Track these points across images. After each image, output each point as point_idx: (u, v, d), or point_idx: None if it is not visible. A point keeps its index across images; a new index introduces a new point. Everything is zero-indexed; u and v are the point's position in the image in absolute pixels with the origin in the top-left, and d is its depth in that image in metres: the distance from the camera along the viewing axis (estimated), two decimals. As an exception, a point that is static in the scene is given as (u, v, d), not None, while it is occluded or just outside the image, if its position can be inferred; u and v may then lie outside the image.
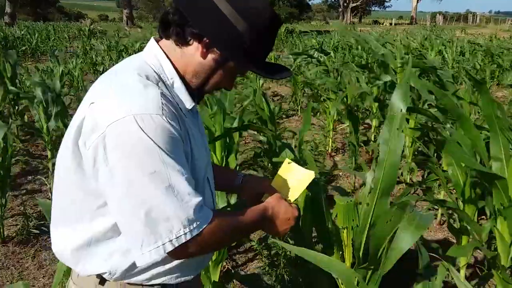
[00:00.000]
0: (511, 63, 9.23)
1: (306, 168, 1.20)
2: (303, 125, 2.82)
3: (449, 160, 2.10)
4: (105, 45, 11.15)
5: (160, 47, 0.99)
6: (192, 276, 1.05)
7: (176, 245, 0.85)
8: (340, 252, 1.29)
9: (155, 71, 0.96)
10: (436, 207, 3.26)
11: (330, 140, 4.80)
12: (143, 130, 0.82)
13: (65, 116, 3.91)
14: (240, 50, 0.95)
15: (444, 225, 3.23)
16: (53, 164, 3.88)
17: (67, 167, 0.92)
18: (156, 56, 0.98)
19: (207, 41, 0.94)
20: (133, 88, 0.88)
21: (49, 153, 3.86)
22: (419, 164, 3.71)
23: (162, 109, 0.86)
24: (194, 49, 0.96)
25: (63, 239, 0.99)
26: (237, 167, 2.67)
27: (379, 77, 4.07)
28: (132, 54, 1.55)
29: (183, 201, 0.85)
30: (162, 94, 0.90)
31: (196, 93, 1.02)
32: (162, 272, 0.99)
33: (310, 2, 51.47)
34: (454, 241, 2.96)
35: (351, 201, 1.23)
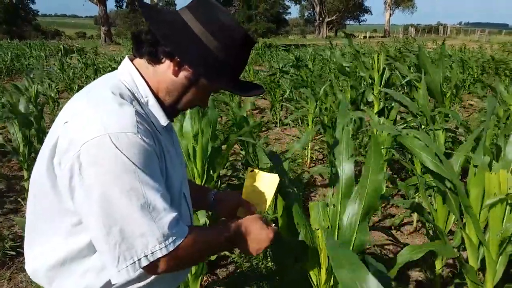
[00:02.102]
0: (482, 73, 9.57)
1: (269, 171, 1.22)
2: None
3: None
4: (82, 63, 11.07)
5: (134, 65, 1.01)
6: None
7: (152, 260, 0.86)
8: (316, 258, 1.32)
9: (129, 89, 0.98)
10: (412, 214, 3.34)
11: (309, 151, 4.86)
12: (118, 149, 0.83)
13: (42, 134, 3.86)
14: (213, 68, 0.97)
15: (420, 231, 3.30)
16: (28, 184, 3.81)
17: (42, 185, 0.93)
18: (130, 74, 1.00)
19: (178, 59, 0.96)
20: (108, 106, 0.89)
21: (25, 173, 3.80)
22: (394, 171, 3.80)
23: (137, 127, 0.87)
24: (166, 67, 0.98)
25: (37, 259, 0.99)
26: (218, 181, 2.69)
27: (358, 87, 4.17)
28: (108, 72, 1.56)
29: (158, 217, 0.86)
30: (137, 112, 0.91)
31: (170, 110, 1.03)
32: None
33: (287, 17, 52.38)
34: (430, 245, 3.04)
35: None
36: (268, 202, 1.21)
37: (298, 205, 1.36)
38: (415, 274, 2.63)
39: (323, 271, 1.34)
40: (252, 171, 1.23)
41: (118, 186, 0.83)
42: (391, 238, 3.12)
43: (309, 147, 4.86)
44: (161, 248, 0.86)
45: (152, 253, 0.86)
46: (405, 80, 4.19)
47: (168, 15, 0.99)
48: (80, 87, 7.67)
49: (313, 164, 4.83)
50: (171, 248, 0.87)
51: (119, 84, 0.97)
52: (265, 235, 1.04)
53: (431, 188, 2.46)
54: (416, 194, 3.28)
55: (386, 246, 3.07)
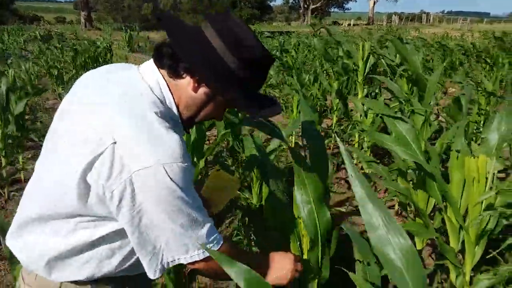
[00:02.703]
0: (461, 61, 9.70)
1: (232, 176, 1.25)
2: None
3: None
4: (60, 48, 10.80)
5: (161, 74, 1.01)
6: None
7: (190, 261, 0.99)
8: (298, 242, 1.33)
9: (161, 102, 0.99)
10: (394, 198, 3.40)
11: (294, 137, 4.88)
12: (170, 178, 0.89)
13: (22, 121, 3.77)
14: (231, 87, 0.99)
15: (402, 213, 3.37)
16: (7, 172, 3.73)
17: (65, 187, 0.93)
18: (158, 83, 1.01)
19: (198, 77, 0.98)
20: (158, 133, 0.92)
21: (3, 160, 3.71)
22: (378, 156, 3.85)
23: (184, 154, 0.93)
24: (186, 83, 1.00)
25: (31, 249, 1.01)
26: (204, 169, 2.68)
27: (342, 74, 4.18)
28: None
29: (198, 229, 0.97)
30: (180, 138, 0.95)
31: (187, 123, 1.06)
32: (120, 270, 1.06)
33: (271, 4, 51.95)
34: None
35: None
36: (223, 204, 1.24)
37: (281, 193, 1.36)
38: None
39: (305, 255, 1.35)
40: (218, 170, 1.27)
41: (166, 209, 0.91)
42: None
43: (294, 133, 4.87)
44: (199, 254, 0.98)
45: (191, 257, 0.98)
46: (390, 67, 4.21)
47: (189, 29, 1.00)
48: (60, 73, 7.50)
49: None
50: (208, 254, 0.98)
51: (153, 98, 0.98)
52: (291, 275, 1.15)
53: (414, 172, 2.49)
54: (398, 178, 3.33)
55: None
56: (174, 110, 1.02)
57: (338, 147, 4.37)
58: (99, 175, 0.90)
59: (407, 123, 1.83)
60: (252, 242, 2.46)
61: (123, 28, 18.92)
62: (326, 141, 4.61)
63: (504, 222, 1.70)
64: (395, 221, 0.86)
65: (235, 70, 0.98)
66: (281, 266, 1.16)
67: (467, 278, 1.71)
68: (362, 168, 4.02)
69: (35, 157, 4.39)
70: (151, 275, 0.98)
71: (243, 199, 2.69)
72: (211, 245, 1.00)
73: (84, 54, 8.55)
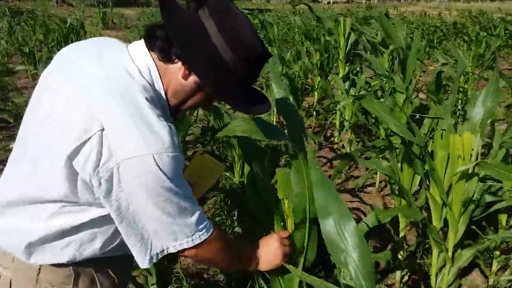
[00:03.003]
0: (440, 39, 9.77)
1: (217, 161, 1.22)
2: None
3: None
4: (32, 25, 10.34)
5: (152, 58, 0.96)
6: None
7: (179, 249, 0.97)
8: (282, 223, 1.30)
9: (150, 86, 0.94)
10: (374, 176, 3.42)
11: (274, 116, 4.83)
12: (160, 168, 0.87)
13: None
14: (223, 81, 0.96)
15: (382, 192, 3.39)
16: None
17: (48, 172, 0.90)
18: (148, 66, 0.96)
19: (190, 65, 0.93)
20: (148, 121, 0.88)
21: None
22: (359, 135, 3.84)
23: (174, 143, 0.90)
24: (177, 69, 0.96)
25: (12, 231, 0.97)
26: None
27: (323, 52, 4.13)
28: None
29: (187, 218, 0.95)
30: (170, 126, 0.91)
31: (173, 111, 1.02)
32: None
33: (250, -20, 51.00)
34: (392, 207, 3.13)
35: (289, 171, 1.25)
36: (205, 189, 1.20)
37: (264, 172, 1.32)
38: (378, 233, 2.70)
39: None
40: (202, 153, 1.23)
41: (155, 199, 0.89)
42: (357, 200, 3.20)
43: (274, 112, 4.82)
44: (188, 242, 0.96)
45: (180, 244, 0.96)
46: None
47: (188, 17, 0.95)
48: (31, 51, 7.19)
49: (279, 130, 4.81)
50: (197, 241, 0.97)
51: (143, 82, 0.94)
52: (281, 251, 1.17)
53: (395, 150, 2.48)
54: (380, 157, 3.35)
55: (351, 208, 3.13)
56: (163, 95, 0.98)
57: (320, 126, 4.36)
58: (86, 162, 0.86)
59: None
60: (235, 223, 2.43)
61: (96, 4, 18.25)
62: (307, 120, 4.58)
63: (487, 198, 1.72)
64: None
65: (230, 65, 0.95)
66: (268, 248, 1.17)
67: (450, 254, 1.73)
68: (343, 147, 4.03)
69: (7, 138, 4.22)
70: (141, 264, 0.97)
71: (225, 178, 2.64)
72: (200, 232, 0.98)
73: (56, 32, 8.21)
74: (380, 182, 3.40)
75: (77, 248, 0.99)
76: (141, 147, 0.86)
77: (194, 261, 1.07)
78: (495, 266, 2.10)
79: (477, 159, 1.62)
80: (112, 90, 0.90)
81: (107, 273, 1.08)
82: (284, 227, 1.28)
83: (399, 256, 2.18)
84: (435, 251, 1.80)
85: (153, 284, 1.78)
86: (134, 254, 0.96)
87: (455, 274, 1.79)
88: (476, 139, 1.60)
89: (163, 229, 0.93)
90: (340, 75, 4.04)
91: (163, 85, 0.97)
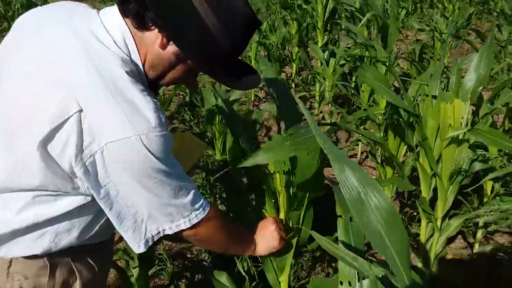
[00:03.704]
0: (415, 6, 9.73)
1: (198, 139, 1.13)
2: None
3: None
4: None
5: (127, 26, 0.84)
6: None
7: (176, 230, 0.91)
8: (273, 200, 1.23)
9: (129, 58, 0.84)
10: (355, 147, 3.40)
11: (252, 91, 4.71)
12: (149, 150, 0.79)
13: None
14: (206, 51, 0.85)
15: (363, 162, 3.38)
16: None
17: (20, 158, 0.81)
18: (122, 35, 0.84)
19: (168, 32, 0.82)
20: (131, 98, 0.79)
21: None
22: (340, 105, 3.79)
23: (162, 121, 0.82)
24: (154, 37, 0.84)
25: None
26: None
27: (301, 21, 4.00)
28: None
29: (182, 198, 0.88)
30: (155, 102, 0.83)
31: (152, 85, 0.91)
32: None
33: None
34: (374, 177, 3.13)
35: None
36: (188, 169, 1.11)
37: (252, 148, 1.23)
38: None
39: (282, 214, 1.25)
40: (183, 131, 1.15)
41: (145, 182, 0.82)
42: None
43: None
44: (185, 222, 0.90)
45: (177, 226, 0.90)
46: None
47: None
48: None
49: (257, 103, 4.72)
50: (194, 221, 0.91)
51: (121, 54, 0.83)
52: (277, 235, 1.11)
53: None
54: (361, 127, 3.31)
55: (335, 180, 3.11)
56: (141, 67, 0.87)
57: (299, 98, 4.28)
58: (65, 147, 0.77)
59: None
60: (218, 201, 2.36)
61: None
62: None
63: (477, 166, 1.69)
64: (374, 181, 0.75)
65: (215, 34, 0.83)
66: (265, 232, 1.12)
67: (438, 223, 1.71)
68: (323, 118, 3.98)
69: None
70: (136, 249, 0.90)
71: (207, 156, 2.55)
72: (197, 211, 0.92)
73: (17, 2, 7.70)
74: (361, 153, 3.38)
75: (53, 239, 0.90)
76: (126, 128, 0.77)
77: (193, 241, 1.00)
78: (479, 234, 2.11)
79: (467, 126, 1.59)
80: (88, 64, 0.79)
81: (87, 262, 1.00)
82: (276, 203, 1.21)
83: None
84: (423, 221, 1.78)
85: (135, 267, 1.70)
86: (127, 240, 0.90)
87: (443, 243, 1.79)
88: (466, 107, 1.55)
89: (157, 212, 0.87)
90: (319, 44, 3.94)
91: (140, 56, 0.86)
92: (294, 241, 1.21)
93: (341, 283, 0.87)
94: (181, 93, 3.59)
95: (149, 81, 0.90)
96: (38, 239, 0.89)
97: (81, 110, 0.76)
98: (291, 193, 1.18)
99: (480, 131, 1.44)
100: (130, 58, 0.85)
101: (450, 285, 2.01)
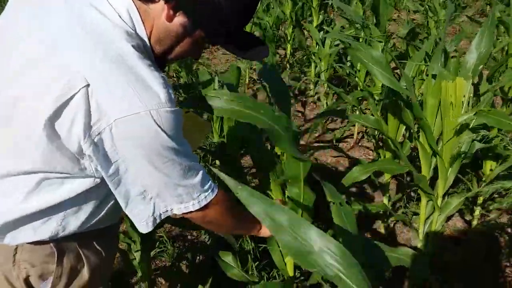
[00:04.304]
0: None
1: (202, 119, 1.11)
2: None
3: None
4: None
5: None
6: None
7: (185, 211, 0.89)
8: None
9: (134, 32, 0.80)
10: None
11: (247, 72, 4.67)
12: (159, 126, 0.77)
13: None
14: (213, 20, 0.82)
15: (359, 143, 3.39)
16: None
17: (26, 139, 0.79)
18: (127, 9, 0.80)
19: (174, 3, 0.78)
20: (139, 73, 0.76)
21: None
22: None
23: (171, 97, 0.80)
24: (160, 9, 0.81)
25: None
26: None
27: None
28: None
29: (191, 178, 0.86)
30: (164, 77, 0.81)
31: (159, 61, 0.88)
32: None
33: None
34: (371, 157, 3.14)
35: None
36: (193, 149, 1.10)
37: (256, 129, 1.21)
38: (362, 184, 2.70)
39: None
40: (186, 111, 1.13)
41: (155, 161, 0.80)
42: (336, 154, 3.18)
43: (247, 66, 4.65)
44: (194, 204, 0.88)
45: (186, 207, 0.88)
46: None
47: None
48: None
49: (252, 85, 4.68)
50: (203, 203, 0.89)
51: (125, 27, 0.79)
52: None
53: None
54: (356, 109, 3.31)
55: (331, 161, 3.12)
56: (147, 42, 0.84)
57: (294, 79, 4.25)
58: (72, 124, 0.75)
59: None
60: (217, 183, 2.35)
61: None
62: (282, 74, 4.46)
63: (477, 146, 1.70)
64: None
65: (222, 2, 0.80)
66: None
67: (439, 202, 1.72)
68: (319, 99, 3.96)
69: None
70: (143, 228, 0.89)
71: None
72: (206, 193, 0.90)
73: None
74: (358, 133, 3.38)
75: (60, 223, 0.88)
76: (136, 103, 0.74)
77: (201, 223, 0.99)
78: (477, 212, 2.14)
79: (468, 105, 1.58)
80: (92, 39, 0.76)
81: (93, 247, 0.99)
82: (282, 187, 1.20)
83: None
84: (423, 200, 1.80)
85: (137, 251, 1.70)
86: (133, 219, 0.88)
87: (443, 222, 1.81)
88: (468, 85, 1.55)
89: (167, 192, 0.85)
90: (314, 24, 3.89)
91: (145, 30, 0.83)
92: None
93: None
94: (175, 75, 3.54)
95: (156, 57, 0.87)
96: (45, 223, 0.87)
97: (88, 85, 0.73)
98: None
99: (487, 113, 1.44)
100: (135, 32, 0.81)
101: (448, 264, 2.04)
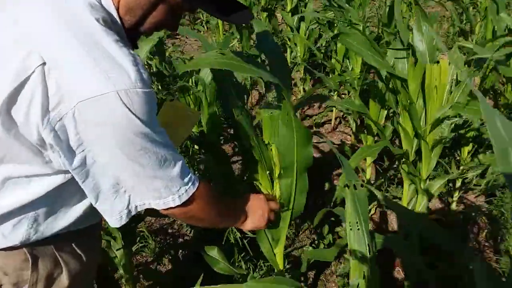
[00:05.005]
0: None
1: (190, 108, 1.05)
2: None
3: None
4: None
5: None
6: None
7: (164, 207, 0.82)
8: (268, 172, 1.17)
9: (99, 4, 0.72)
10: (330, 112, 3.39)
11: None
12: (129, 109, 0.68)
13: None
14: None
15: (337, 129, 3.39)
16: None
17: None
18: None
19: None
20: (105, 48, 0.68)
21: None
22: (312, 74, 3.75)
23: (143, 76, 0.71)
24: None
25: None
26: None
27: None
28: None
29: (169, 170, 0.79)
30: (134, 54, 0.72)
31: (131, 34, 0.79)
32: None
33: None
34: (350, 142, 3.14)
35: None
36: (181, 142, 1.03)
37: (245, 115, 1.16)
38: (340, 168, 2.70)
39: (277, 186, 1.21)
40: (171, 100, 1.06)
41: (127, 149, 0.71)
42: (316, 140, 3.16)
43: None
44: (174, 199, 0.81)
45: (165, 203, 0.81)
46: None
47: None
48: None
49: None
50: (184, 198, 0.82)
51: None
52: (267, 216, 1.06)
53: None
54: (333, 94, 3.30)
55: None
56: (114, 15, 0.75)
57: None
58: (29, 109, 0.66)
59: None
60: (198, 173, 2.29)
61: None
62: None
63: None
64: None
65: None
66: (256, 209, 1.05)
67: (423, 185, 1.73)
68: (296, 85, 3.92)
69: None
70: (114, 222, 0.80)
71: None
72: (186, 187, 0.82)
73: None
74: (335, 118, 3.37)
75: (31, 227, 0.80)
76: (101, 83, 0.66)
77: (183, 219, 0.93)
78: (457, 193, 2.17)
79: (451, 88, 1.58)
80: (50, 11, 0.69)
81: (73, 251, 0.91)
82: (271, 177, 1.16)
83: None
84: (406, 183, 1.80)
85: (118, 249, 1.62)
86: (103, 214, 0.81)
87: (425, 204, 1.82)
88: (451, 67, 1.55)
89: (142, 185, 0.77)
90: (288, 8, 3.83)
91: (112, 1, 0.75)
92: (288, 213, 1.17)
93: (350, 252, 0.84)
94: (148, 62, 3.41)
95: (126, 30, 0.79)
96: (15, 227, 0.79)
97: (44, 64, 0.66)
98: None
99: (463, 105, 1.45)
100: (100, 3, 0.74)
101: (430, 245, 2.06)
